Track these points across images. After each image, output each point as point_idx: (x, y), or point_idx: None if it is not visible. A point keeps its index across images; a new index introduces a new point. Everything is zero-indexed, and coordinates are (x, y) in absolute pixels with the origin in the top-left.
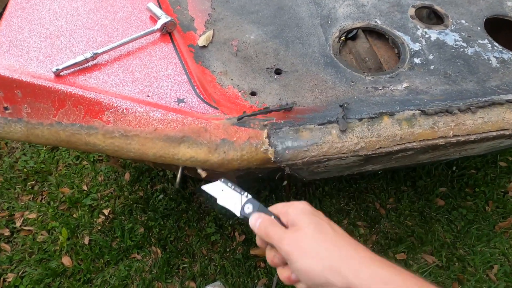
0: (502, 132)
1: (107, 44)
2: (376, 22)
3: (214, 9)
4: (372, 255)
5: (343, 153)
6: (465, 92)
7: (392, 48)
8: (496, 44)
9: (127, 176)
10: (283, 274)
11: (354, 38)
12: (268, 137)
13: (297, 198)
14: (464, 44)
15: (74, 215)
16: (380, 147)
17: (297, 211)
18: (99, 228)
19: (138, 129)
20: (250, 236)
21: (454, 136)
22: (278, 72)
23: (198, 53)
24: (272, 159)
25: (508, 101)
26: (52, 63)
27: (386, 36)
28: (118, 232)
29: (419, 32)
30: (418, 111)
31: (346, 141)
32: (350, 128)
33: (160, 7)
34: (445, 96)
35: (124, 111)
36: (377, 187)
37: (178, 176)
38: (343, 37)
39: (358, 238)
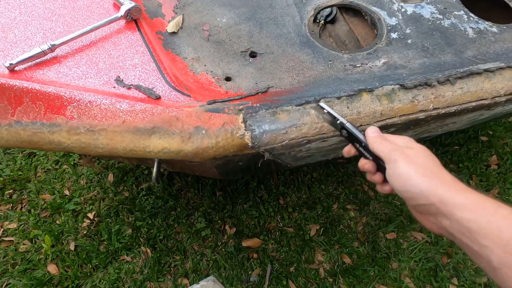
0: (481, 101)
1: (66, 35)
2: None
3: None
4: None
5: (323, 133)
6: (443, 64)
7: (369, 24)
8: (472, 15)
9: (110, 177)
10: (373, 177)
11: (333, 21)
12: (244, 121)
13: (286, 186)
14: (441, 16)
15: (57, 222)
16: (361, 125)
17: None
18: (84, 232)
19: (105, 123)
20: (241, 228)
21: (434, 108)
22: (253, 55)
23: (167, 40)
24: (250, 144)
25: (486, 70)
26: (6, 58)
27: (363, 13)
28: (105, 235)
29: (395, 7)
30: (398, 86)
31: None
32: (330, 107)
33: None
34: (423, 69)
35: (88, 104)
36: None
37: (154, 170)
38: (322, 20)
39: (349, 221)
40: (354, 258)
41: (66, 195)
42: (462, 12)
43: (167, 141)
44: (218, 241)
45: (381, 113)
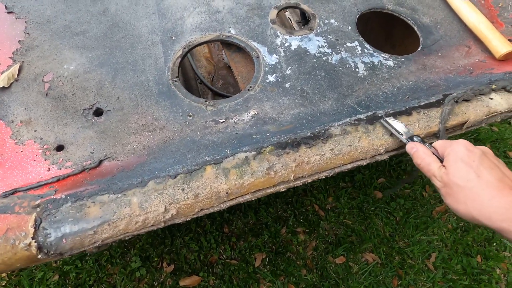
0: (357, 163)
1: None
2: (229, 32)
3: (28, 33)
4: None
5: (151, 225)
6: (319, 115)
7: (253, 61)
8: (367, 46)
9: None
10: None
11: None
12: (36, 224)
13: (231, 212)
14: (329, 51)
15: None
16: (202, 209)
17: (455, 157)
18: (3, 284)
19: None
20: (180, 264)
21: (297, 178)
22: (98, 113)
23: None
24: (39, 256)
25: (364, 122)
26: None
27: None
28: (26, 286)
29: (278, 41)
30: (253, 153)
31: (150, 211)
32: (158, 191)
33: None
34: (295, 123)
35: None
36: (316, 187)
37: None
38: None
39: (297, 246)
40: None
41: None
42: (356, 43)
43: None
44: (155, 281)
45: (227, 192)
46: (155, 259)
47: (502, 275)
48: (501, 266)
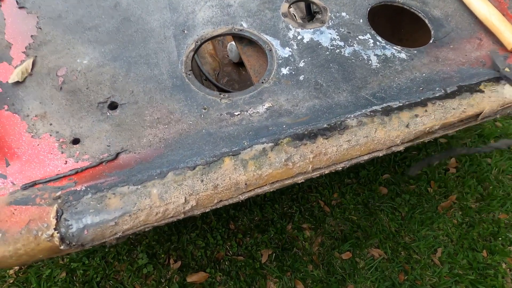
0: (374, 154)
1: None
2: (241, 25)
3: (40, 28)
4: None
5: (171, 216)
6: (334, 107)
7: (265, 54)
8: (379, 39)
9: None
10: None
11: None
12: (58, 215)
13: (237, 209)
14: (342, 44)
15: None
16: (221, 200)
17: None
18: (11, 281)
19: None
20: (186, 261)
21: (315, 169)
22: (113, 106)
23: (7, 93)
24: (62, 247)
25: (380, 114)
26: None
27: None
28: (34, 283)
29: (290, 34)
30: (270, 144)
31: (170, 202)
32: (177, 182)
33: None
34: (310, 115)
35: None
36: (321, 184)
37: None
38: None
39: (303, 242)
40: (308, 284)
41: None
42: (368, 35)
43: None
44: (162, 278)
45: (245, 184)
46: (162, 255)
47: (508, 269)
48: (507, 260)
